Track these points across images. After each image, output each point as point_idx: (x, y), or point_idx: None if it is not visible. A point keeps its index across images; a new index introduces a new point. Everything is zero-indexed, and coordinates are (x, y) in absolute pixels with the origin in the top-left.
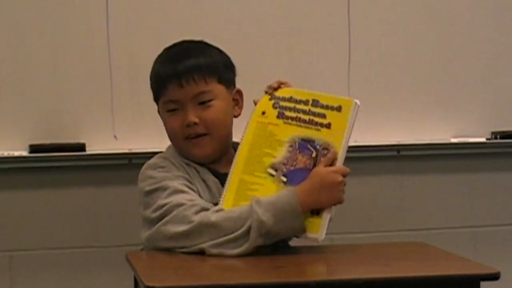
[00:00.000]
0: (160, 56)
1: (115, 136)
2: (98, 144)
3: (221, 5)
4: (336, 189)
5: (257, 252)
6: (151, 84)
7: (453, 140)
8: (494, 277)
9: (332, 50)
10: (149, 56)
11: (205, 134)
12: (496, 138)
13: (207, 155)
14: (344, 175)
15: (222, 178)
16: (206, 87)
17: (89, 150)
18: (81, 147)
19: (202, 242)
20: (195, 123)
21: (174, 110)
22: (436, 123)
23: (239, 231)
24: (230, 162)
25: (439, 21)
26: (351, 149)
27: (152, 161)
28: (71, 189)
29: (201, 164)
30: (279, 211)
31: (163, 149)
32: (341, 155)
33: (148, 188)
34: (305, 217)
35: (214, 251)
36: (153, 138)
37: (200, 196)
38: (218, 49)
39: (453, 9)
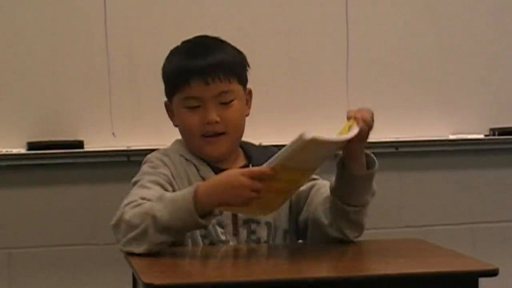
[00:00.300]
0: (178, 49)
1: (113, 134)
2: (96, 142)
3: (219, 6)
4: (240, 191)
5: (255, 250)
6: (166, 77)
7: (452, 137)
8: (493, 273)
9: (330, 48)
10: (147, 54)
11: (222, 133)
12: (494, 134)
13: (221, 153)
14: (253, 178)
15: None
16: (229, 87)
17: (87, 148)
18: (79, 144)
19: (120, 239)
20: (216, 122)
21: (194, 106)
22: (434, 120)
23: (138, 229)
24: (234, 160)
25: (438, 19)
26: None
27: (149, 155)
28: (69, 186)
29: (204, 160)
30: (176, 207)
31: (161, 146)
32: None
33: (133, 179)
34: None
35: (125, 249)
36: (151, 135)
37: None
38: (235, 47)
39: (451, 7)
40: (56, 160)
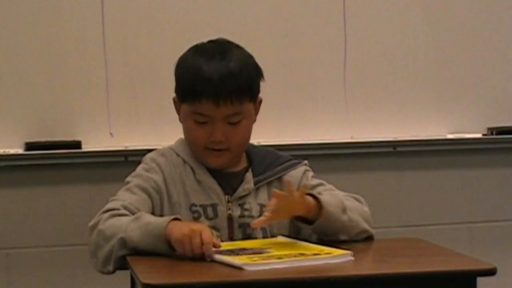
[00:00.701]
0: (195, 55)
1: (111, 133)
2: (94, 142)
3: (216, 7)
4: (182, 242)
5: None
6: (178, 80)
7: (450, 136)
8: (491, 272)
9: (328, 48)
10: (144, 54)
11: (227, 149)
12: (492, 134)
13: (223, 165)
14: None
15: (221, 177)
16: (240, 108)
17: (85, 148)
18: (77, 144)
19: (90, 244)
20: (221, 141)
21: (202, 122)
22: (432, 119)
23: (105, 250)
24: (236, 163)
25: (435, 18)
26: (348, 145)
27: (148, 155)
28: (67, 186)
29: (201, 162)
30: (148, 232)
31: (159, 147)
32: None
33: (127, 178)
34: None
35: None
36: (149, 135)
37: (177, 198)
38: (248, 53)
39: (448, 5)
40: (54, 161)
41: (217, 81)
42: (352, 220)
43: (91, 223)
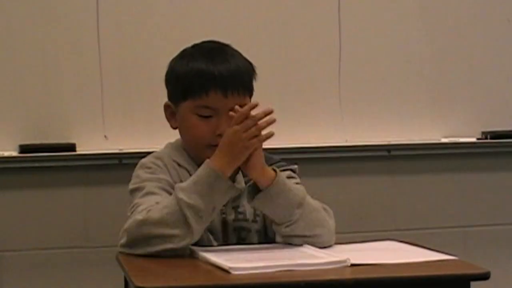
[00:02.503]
0: (193, 53)
1: (105, 136)
2: (88, 144)
3: (211, 9)
4: (236, 141)
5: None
6: (177, 81)
7: (444, 140)
8: (484, 277)
9: (323, 51)
10: (139, 56)
11: None
12: (486, 138)
13: None
14: (241, 121)
15: None
16: (245, 100)
17: (79, 150)
18: (71, 147)
19: (147, 243)
20: None
21: (207, 116)
22: (426, 123)
23: (179, 226)
24: None
25: (430, 22)
26: (342, 149)
27: (144, 160)
28: (61, 189)
29: (197, 165)
30: (203, 186)
31: (154, 149)
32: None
33: (131, 186)
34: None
35: (160, 248)
36: (144, 138)
37: None
38: (245, 57)
39: (443, 10)
40: (48, 163)
41: (226, 73)
42: (302, 214)
43: (127, 226)
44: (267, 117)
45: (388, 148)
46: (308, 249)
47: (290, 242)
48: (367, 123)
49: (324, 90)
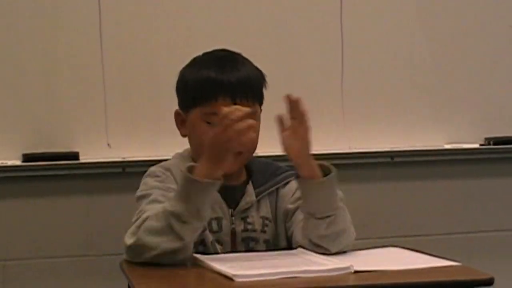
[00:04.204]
0: (203, 61)
1: (108, 145)
2: (92, 153)
3: (213, 15)
4: (216, 143)
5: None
6: (187, 88)
7: (447, 146)
8: (488, 282)
9: (325, 58)
10: (142, 65)
11: (239, 153)
12: (489, 144)
13: (233, 171)
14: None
15: (223, 191)
16: (254, 108)
17: (83, 159)
18: (75, 155)
19: (142, 250)
20: None
21: (216, 123)
22: (429, 130)
23: (166, 232)
24: (238, 175)
25: (433, 27)
26: (345, 155)
27: (153, 168)
28: (65, 198)
29: None
30: (181, 192)
31: (157, 158)
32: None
33: (138, 193)
34: None
35: (153, 253)
36: (147, 146)
37: None
38: (255, 66)
39: (446, 16)
40: (51, 172)
41: (235, 80)
42: (342, 213)
43: (130, 240)
44: (251, 121)
45: (392, 154)
46: (312, 256)
47: (321, 244)
48: (370, 129)
49: (327, 97)
